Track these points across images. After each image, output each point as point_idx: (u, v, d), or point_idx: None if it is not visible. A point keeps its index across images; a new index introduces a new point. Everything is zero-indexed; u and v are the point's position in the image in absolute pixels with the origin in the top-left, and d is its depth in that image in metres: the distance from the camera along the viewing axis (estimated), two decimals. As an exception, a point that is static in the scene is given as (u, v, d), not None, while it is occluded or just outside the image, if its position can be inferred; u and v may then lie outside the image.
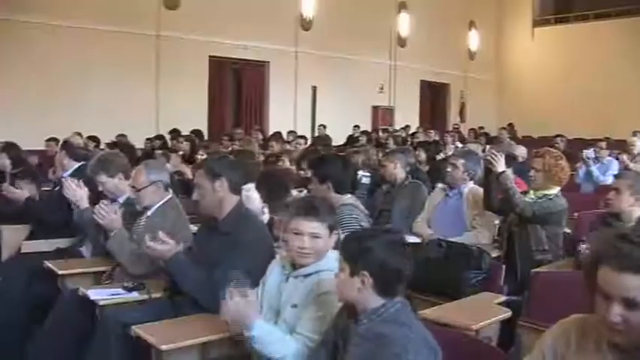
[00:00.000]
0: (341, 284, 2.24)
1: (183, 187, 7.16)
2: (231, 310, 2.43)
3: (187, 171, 8.04)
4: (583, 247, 3.74)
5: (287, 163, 7.37)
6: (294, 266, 2.71)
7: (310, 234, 2.62)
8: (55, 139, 8.89)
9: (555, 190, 4.30)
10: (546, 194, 4.26)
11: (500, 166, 4.23)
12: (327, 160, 4.14)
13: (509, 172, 4.35)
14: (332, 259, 2.71)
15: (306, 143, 10.93)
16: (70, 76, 12.27)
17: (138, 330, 2.78)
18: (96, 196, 4.27)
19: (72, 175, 4.85)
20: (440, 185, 5.14)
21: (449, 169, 4.96)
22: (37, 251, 4.48)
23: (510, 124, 16.66)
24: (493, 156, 4.30)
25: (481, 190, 4.70)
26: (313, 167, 4.17)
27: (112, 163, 4.32)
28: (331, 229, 2.70)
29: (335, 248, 2.72)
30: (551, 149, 4.60)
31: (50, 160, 7.58)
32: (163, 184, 3.93)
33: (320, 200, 2.90)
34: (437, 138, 13.43)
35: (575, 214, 5.77)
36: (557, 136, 11.65)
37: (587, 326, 1.88)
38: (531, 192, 4.38)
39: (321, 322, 2.50)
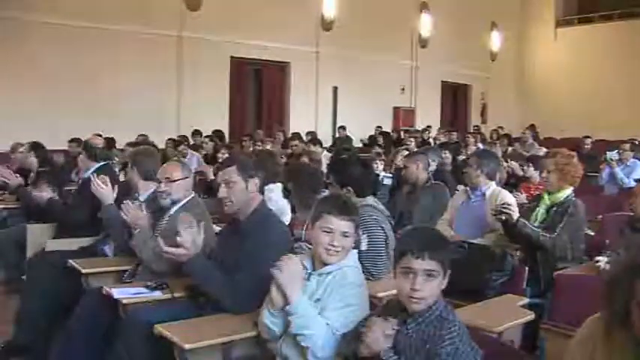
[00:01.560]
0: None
1: (204, 187, 7.21)
2: (288, 269, 2.50)
3: (209, 171, 8.10)
4: (603, 260, 3.70)
5: (306, 163, 7.36)
6: (314, 265, 2.72)
7: (342, 232, 2.64)
8: (77, 140, 8.98)
9: (569, 191, 4.24)
10: (561, 200, 4.19)
11: (515, 214, 4.07)
12: (347, 164, 4.11)
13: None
14: (353, 256, 2.73)
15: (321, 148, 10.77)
16: (92, 77, 12.35)
17: (161, 329, 2.80)
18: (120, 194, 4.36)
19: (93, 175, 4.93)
20: (462, 187, 5.11)
21: (465, 169, 4.94)
22: (61, 249, 4.53)
23: (532, 126, 16.51)
24: (505, 207, 4.12)
25: (504, 192, 4.68)
26: (333, 171, 4.14)
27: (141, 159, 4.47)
28: (357, 228, 2.74)
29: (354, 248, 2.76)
30: (561, 149, 4.55)
31: (73, 160, 7.68)
32: (192, 181, 4.03)
33: (349, 199, 2.93)
34: (457, 139, 13.39)
35: (599, 216, 5.73)
36: (585, 137, 11.54)
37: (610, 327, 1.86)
38: (545, 196, 4.30)
39: (347, 311, 2.51)
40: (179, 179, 3.90)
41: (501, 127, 16.73)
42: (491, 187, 4.77)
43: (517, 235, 4.08)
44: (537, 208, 4.31)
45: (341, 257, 2.65)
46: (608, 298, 1.82)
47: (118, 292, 3.34)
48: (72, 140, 9.47)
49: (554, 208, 4.21)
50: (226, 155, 8.55)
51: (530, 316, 3.18)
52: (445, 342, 2.12)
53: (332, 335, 2.46)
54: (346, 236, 2.65)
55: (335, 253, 2.63)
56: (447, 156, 8.51)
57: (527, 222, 4.06)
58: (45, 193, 5.10)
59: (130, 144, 8.73)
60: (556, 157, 4.30)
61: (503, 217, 4.04)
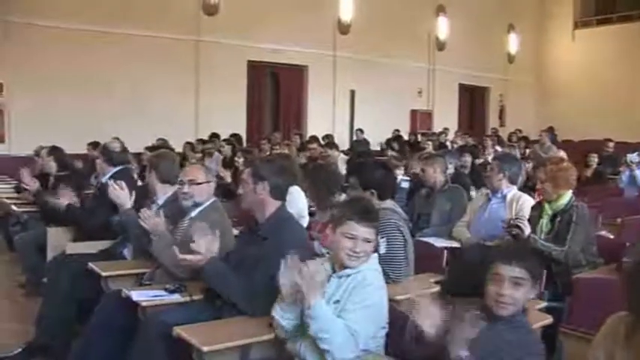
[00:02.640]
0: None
1: (222, 190, 7.22)
2: (308, 273, 2.50)
3: (227, 175, 8.13)
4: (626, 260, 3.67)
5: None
6: (334, 268, 2.74)
7: (364, 239, 2.68)
8: (95, 144, 9.06)
9: (569, 195, 4.17)
10: (563, 207, 4.12)
11: (527, 229, 3.99)
12: (370, 167, 4.12)
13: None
14: (373, 259, 2.76)
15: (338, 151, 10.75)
16: (111, 81, 12.49)
17: (180, 331, 2.82)
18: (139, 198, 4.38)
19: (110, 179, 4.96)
20: (484, 189, 5.09)
21: (487, 173, 4.91)
22: (81, 252, 4.57)
23: (550, 128, 16.38)
24: (519, 220, 4.05)
25: (525, 196, 4.65)
26: (356, 174, 4.14)
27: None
28: (378, 232, 2.78)
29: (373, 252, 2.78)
30: (551, 157, 4.50)
31: (92, 164, 7.75)
32: (214, 185, 4.07)
33: (371, 204, 2.97)
34: (474, 142, 13.33)
35: (618, 219, 5.68)
36: (607, 140, 11.45)
37: (635, 322, 1.85)
38: (546, 206, 4.22)
39: (366, 312, 2.55)
40: (203, 182, 3.93)
41: (519, 130, 16.62)
42: (513, 191, 4.75)
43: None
44: (541, 220, 4.21)
45: (362, 262, 2.69)
46: (627, 295, 1.82)
47: (137, 295, 3.36)
48: (90, 144, 9.55)
49: (558, 218, 4.12)
50: (242, 159, 8.61)
51: (549, 319, 3.16)
52: (532, 353, 2.26)
53: (351, 337, 2.48)
54: (368, 242, 2.69)
55: (356, 258, 2.67)
56: (467, 159, 8.45)
57: (537, 237, 4.00)
58: (63, 199, 5.12)
59: (148, 148, 8.79)
60: (546, 166, 4.25)
61: (514, 232, 3.98)
